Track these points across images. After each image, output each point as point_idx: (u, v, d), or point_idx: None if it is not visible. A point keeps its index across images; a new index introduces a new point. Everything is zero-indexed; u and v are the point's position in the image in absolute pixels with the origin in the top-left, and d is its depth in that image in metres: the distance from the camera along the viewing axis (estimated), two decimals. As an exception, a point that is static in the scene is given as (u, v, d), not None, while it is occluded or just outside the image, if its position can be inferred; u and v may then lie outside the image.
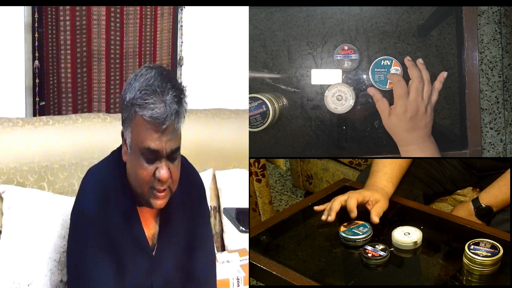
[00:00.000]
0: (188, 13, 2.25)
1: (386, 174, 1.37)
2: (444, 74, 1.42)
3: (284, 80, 1.54)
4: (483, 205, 1.39)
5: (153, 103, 1.10)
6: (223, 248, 2.00)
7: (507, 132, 2.65)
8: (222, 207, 1.99)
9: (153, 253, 1.30)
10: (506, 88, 2.63)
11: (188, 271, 1.36)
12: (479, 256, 1.06)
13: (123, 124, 1.19)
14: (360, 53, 1.50)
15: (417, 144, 1.38)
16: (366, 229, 1.21)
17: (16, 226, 1.54)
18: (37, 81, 1.93)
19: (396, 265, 1.14)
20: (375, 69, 1.48)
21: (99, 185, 1.25)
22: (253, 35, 1.55)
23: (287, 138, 1.57)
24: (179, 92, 1.14)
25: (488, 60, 2.62)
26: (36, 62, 1.92)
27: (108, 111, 2.10)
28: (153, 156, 1.15)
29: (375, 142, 1.53)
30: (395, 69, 1.47)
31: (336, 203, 1.27)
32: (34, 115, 1.94)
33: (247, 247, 1.90)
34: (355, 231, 1.21)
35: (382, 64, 1.48)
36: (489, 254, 1.07)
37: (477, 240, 1.11)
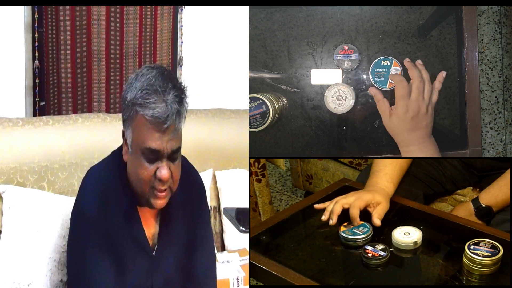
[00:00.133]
0: (188, 13, 2.25)
1: (387, 174, 1.37)
2: (443, 74, 1.42)
3: (284, 80, 1.54)
4: (483, 205, 1.39)
5: (154, 103, 1.10)
6: (223, 248, 2.00)
7: (507, 132, 2.65)
8: (222, 207, 1.99)
9: (153, 253, 1.30)
10: (506, 88, 2.63)
11: (188, 271, 1.36)
12: (479, 256, 1.06)
13: (124, 124, 1.19)
14: (360, 53, 1.50)
15: (418, 144, 1.38)
16: (366, 229, 1.21)
17: (16, 226, 1.54)
18: (37, 81, 1.93)
19: (396, 265, 1.14)
20: (375, 69, 1.48)
21: (99, 185, 1.25)
22: (253, 35, 1.55)
23: (287, 138, 1.57)
24: (180, 92, 1.14)
25: (488, 60, 2.62)
26: (36, 62, 1.92)
27: (108, 111, 2.10)
28: (154, 156, 1.15)
29: (375, 142, 1.53)
30: (395, 69, 1.47)
31: (338, 206, 1.26)
32: (34, 115, 1.94)
33: (247, 247, 1.90)
34: (355, 231, 1.21)
35: (382, 64, 1.48)
36: (489, 254, 1.07)
37: (477, 240, 1.11)
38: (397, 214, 1.32)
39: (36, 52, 1.92)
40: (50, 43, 1.94)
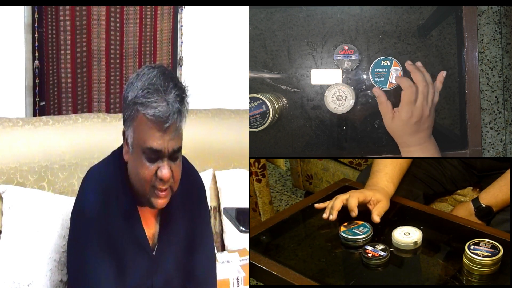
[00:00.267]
0: (188, 13, 2.25)
1: (387, 174, 1.37)
2: (443, 74, 1.41)
3: (284, 80, 1.54)
4: (483, 205, 1.39)
5: (156, 102, 1.10)
6: (223, 248, 2.00)
7: (507, 132, 2.65)
8: (222, 207, 1.99)
9: (154, 253, 1.30)
10: (506, 88, 2.63)
11: (188, 271, 1.36)
12: (479, 256, 1.06)
13: (124, 123, 1.19)
14: (360, 53, 1.50)
15: (418, 145, 1.38)
16: (366, 229, 1.21)
17: (16, 226, 1.54)
18: (37, 81, 1.93)
19: (396, 265, 1.14)
20: (375, 69, 1.48)
21: (99, 185, 1.25)
22: (253, 35, 1.55)
23: (287, 138, 1.57)
24: (181, 92, 1.14)
25: (488, 60, 2.62)
26: (36, 62, 1.92)
27: (108, 111, 2.10)
28: (155, 155, 1.15)
29: (375, 142, 1.53)
30: (395, 69, 1.47)
31: (338, 202, 1.26)
32: (34, 115, 1.94)
33: (247, 247, 1.90)
34: (355, 231, 1.21)
35: (382, 64, 1.48)
36: (489, 254, 1.07)
37: (477, 240, 1.11)
38: (397, 214, 1.32)
39: (36, 52, 1.92)
40: (50, 43, 1.94)
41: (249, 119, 1.42)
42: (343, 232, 1.21)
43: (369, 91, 1.52)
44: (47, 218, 1.56)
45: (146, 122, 1.12)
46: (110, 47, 2.06)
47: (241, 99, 2.19)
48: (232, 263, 1.85)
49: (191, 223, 1.36)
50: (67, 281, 1.53)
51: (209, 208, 1.57)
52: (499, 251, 1.08)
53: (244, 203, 1.93)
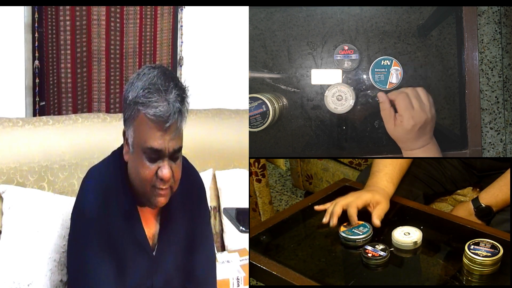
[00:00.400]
0: (188, 13, 2.25)
1: (387, 174, 1.37)
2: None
3: (284, 80, 1.54)
4: (483, 205, 1.39)
5: (156, 102, 1.11)
6: (223, 248, 2.00)
7: (507, 132, 2.65)
8: (222, 207, 1.99)
9: (154, 253, 1.30)
10: (506, 88, 2.63)
11: (188, 271, 1.36)
12: (479, 256, 1.06)
13: (125, 123, 1.19)
14: (360, 53, 1.50)
15: (421, 147, 1.38)
16: (366, 229, 1.21)
17: (16, 226, 1.54)
18: (37, 81, 1.93)
19: (396, 265, 1.14)
20: (375, 69, 1.48)
21: (99, 185, 1.25)
22: (253, 35, 1.55)
23: (287, 138, 1.57)
24: (182, 92, 1.14)
25: (488, 60, 2.62)
26: (36, 62, 1.92)
27: (108, 111, 2.10)
28: (155, 155, 1.15)
29: (375, 142, 1.53)
30: (395, 69, 1.47)
31: (338, 208, 1.26)
32: (34, 115, 1.94)
33: (247, 247, 1.90)
34: (355, 231, 1.21)
35: (382, 64, 1.48)
36: (489, 254, 1.07)
37: (477, 240, 1.11)
38: (397, 214, 1.32)
39: (36, 52, 1.92)
40: (50, 43, 1.94)
41: (249, 119, 1.42)
42: (343, 232, 1.21)
43: (369, 91, 1.52)
44: (47, 218, 1.56)
45: (146, 122, 1.12)
46: (110, 47, 2.06)
47: (241, 99, 2.19)
48: (232, 263, 1.85)
49: (191, 223, 1.36)
50: (67, 281, 1.53)
51: (209, 208, 1.57)
52: (499, 251, 1.08)
53: (244, 203, 1.93)
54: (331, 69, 1.52)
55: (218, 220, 2.01)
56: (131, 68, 2.13)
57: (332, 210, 1.26)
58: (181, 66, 2.26)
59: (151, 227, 1.30)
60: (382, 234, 1.22)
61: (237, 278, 1.77)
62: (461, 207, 1.45)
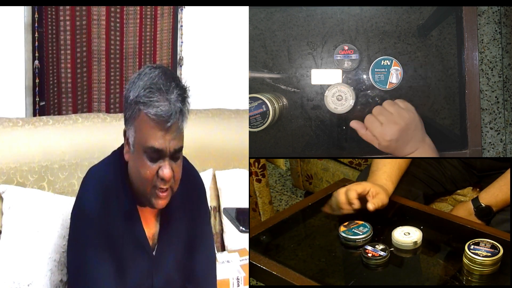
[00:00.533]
0: (188, 13, 2.25)
1: (385, 173, 1.37)
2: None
3: (284, 80, 1.54)
4: (482, 204, 1.39)
5: (158, 101, 1.11)
6: (223, 248, 2.00)
7: (507, 132, 2.65)
8: (222, 207, 1.99)
9: (154, 253, 1.30)
10: (506, 88, 2.63)
11: (188, 271, 1.36)
12: (479, 256, 1.06)
13: (126, 123, 1.19)
14: (360, 53, 1.50)
15: (412, 152, 1.38)
16: (366, 229, 1.21)
17: (16, 226, 1.54)
18: (37, 81, 1.93)
19: (396, 265, 1.14)
20: (375, 69, 1.48)
21: (100, 185, 1.25)
22: (253, 35, 1.55)
23: (287, 138, 1.57)
24: (183, 92, 1.14)
25: (488, 60, 2.62)
26: (36, 62, 1.92)
27: (108, 111, 2.10)
28: (156, 155, 1.15)
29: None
30: (395, 69, 1.47)
31: (351, 193, 1.27)
32: (34, 115, 1.94)
33: (247, 247, 1.90)
34: (355, 231, 1.21)
35: (382, 64, 1.48)
36: (489, 254, 1.07)
37: (477, 240, 1.11)
38: (397, 214, 1.32)
39: (36, 52, 1.92)
40: (50, 43, 1.94)
41: (249, 119, 1.42)
42: (343, 232, 1.21)
43: (369, 91, 1.52)
44: (47, 218, 1.56)
45: (148, 122, 1.12)
46: (110, 47, 2.06)
47: (241, 99, 2.19)
48: (232, 263, 1.85)
49: (191, 223, 1.36)
50: (67, 281, 1.53)
51: (209, 208, 1.57)
52: (499, 251, 1.08)
53: (244, 203, 1.93)
54: (331, 69, 1.52)
55: (218, 220, 2.01)
56: (131, 68, 2.13)
57: (344, 199, 1.27)
58: (181, 66, 2.26)
59: (151, 227, 1.30)
60: (382, 234, 1.22)
61: (237, 278, 1.77)
62: (461, 207, 1.45)
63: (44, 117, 1.76)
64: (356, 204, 1.25)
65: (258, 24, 1.55)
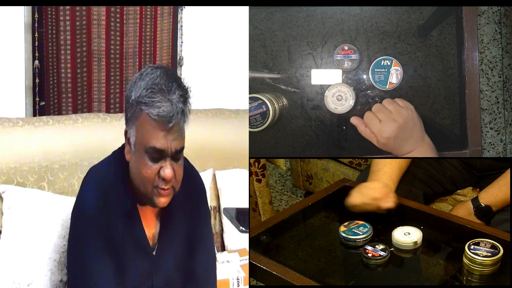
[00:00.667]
0: (188, 13, 2.25)
1: (386, 173, 1.37)
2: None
3: (284, 80, 1.54)
4: (482, 204, 1.39)
5: (160, 101, 1.11)
6: (223, 248, 2.00)
7: (507, 132, 2.65)
8: (222, 207, 1.99)
9: (154, 253, 1.30)
10: (506, 88, 2.63)
11: (188, 271, 1.36)
12: (479, 256, 1.06)
13: (127, 123, 1.19)
14: (360, 53, 1.50)
15: (411, 151, 1.38)
16: (366, 229, 1.21)
17: (16, 226, 1.54)
18: (37, 81, 1.93)
19: (396, 265, 1.14)
20: (375, 69, 1.48)
21: (100, 185, 1.25)
22: (253, 35, 1.55)
23: (287, 138, 1.57)
24: (184, 92, 1.15)
25: (488, 60, 2.62)
26: (36, 62, 1.92)
27: (108, 111, 2.10)
28: (158, 155, 1.15)
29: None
30: (395, 69, 1.47)
31: (364, 198, 1.29)
32: (34, 115, 1.94)
33: (247, 247, 1.90)
34: (355, 231, 1.21)
35: (382, 64, 1.48)
36: (489, 254, 1.07)
37: (477, 240, 1.11)
38: (397, 214, 1.32)
39: (36, 52, 1.91)
40: (50, 43, 1.94)
41: (249, 119, 1.42)
42: (343, 232, 1.21)
43: (369, 91, 1.52)
44: (47, 218, 1.56)
45: (149, 122, 1.13)
46: (110, 47, 2.06)
47: (241, 99, 2.19)
48: (232, 263, 1.85)
49: (191, 223, 1.36)
50: (67, 281, 1.53)
51: (209, 208, 1.57)
52: (499, 251, 1.08)
53: (244, 203, 1.93)
54: (331, 69, 1.52)
55: (218, 220, 2.01)
56: (131, 68, 2.13)
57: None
58: (181, 66, 2.26)
59: (151, 227, 1.30)
60: (382, 234, 1.22)
61: (237, 278, 1.77)
62: (460, 207, 1.45)
63: (44, 117, 1.76)
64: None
65: (258, 24, 1.55)
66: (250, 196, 1.99)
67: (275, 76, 1.55)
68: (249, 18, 1.55)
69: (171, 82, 1.13)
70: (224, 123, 2.09)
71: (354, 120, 1.44)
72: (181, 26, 2.25)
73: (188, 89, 1.17)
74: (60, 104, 1.99)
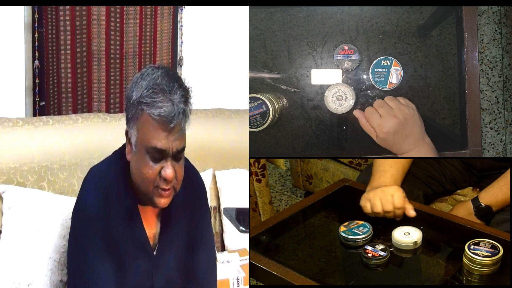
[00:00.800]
0: (188, 13, 2.25)
1: (393, 176, 1.37)
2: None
3: (284, 80, 1.54)
4: (482, 204, 1.39)
5: (161, 102, 1.11)
6: (223, 248, 2.00)
7: (507, 132, 2.65)
8: (222, 207, 1.99)
9: (154, 253, 1.30)
10: (506, 88, 2.63)
11: (188, 271, 1.36)
12: (479, 256, 1.06)
13: (127, 123, 1.19)
14: (360, 53, 1.50)
15: (414, 148, 1.38)
16: (366, 229, 1.21)
17: (16, 226, 1.54)
18: (37, 81, 1.93)
19: (396, 265, 1.14)
20: (375, 69, 1.48)
21: (101, 185, 1.25)
22: (253, 35, 1.55)
23: (287, 138, 1.57)
24: (186, 92, 1.15)
25: (488, 60, 2.62)
26: (36, 62, 1.92)
27: (108, 111, 2.10)
28: (159, 155, 1.15)
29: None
30: (395, 69, 1.47)
31: (389, 206, 1.26)
32: (34, 115, 1.94)
33: (247, 247, 1.90)
34: (355, 231, 1.21)
35: (382, 64, 1.48)
36: (489, 254, 1.07)
37: (477, 240, 1.11)
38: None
39: (36, 52, 1.91)
40: (50, 43, 1.94)
41: (249, 119, 1.42)
42: (343, 232, 1.21)
43: (369, 91, 1.52)
44: (47, 218, 1.56)
45: (151, 122, 1.13)
46: (110, 47, 2.06)
47: (241, 99, 2.19)
48: (232, 263, 1.85)
49: (192, 223, 1.36)
50: (67, 281, 1.53)
51: (209, 208, 1.57)
52: (499, 251, 1.08)
53: (244, 203, 1.93)
54: (331, 69, 1.52)
55: (218, 220, 2.01)
56: (131, 68, 2.13)
57: (387, 208, 1.26)
58: (181, 66, 2.26)
59: (152, 227, 1.30)
60: (382, 234, 1.22)
61: (237, 278, 1.77)
62: (460, 207, 1.45)
63: (44, 117, 1.76)
64: (413, 212, 1.26)
65: (258, 24, 1.55)
66: (250, 196, 1.99)
67: (275, 76, 1.55)
68: (249, 18, 1.55)
69: (172, 83, 1.13)
70: (224, 123, 2.09)
71: (357, 113, 1.44)
72: (181, 26, 2.24)
73: (189, 89, 1.17)
74: (60, 104, 1.99)
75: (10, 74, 1.89)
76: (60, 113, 1.99)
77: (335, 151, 1.56)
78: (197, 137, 1.99)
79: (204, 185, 1.45)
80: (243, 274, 1.79)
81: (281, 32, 1.54)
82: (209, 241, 1.44)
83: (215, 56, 2.32)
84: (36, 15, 1.90)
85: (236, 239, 1.97)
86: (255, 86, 1.54)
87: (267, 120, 1.41)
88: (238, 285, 1.77)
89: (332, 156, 2.02)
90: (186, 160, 1.36)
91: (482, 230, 1.20)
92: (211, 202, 1.98)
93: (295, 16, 1.53)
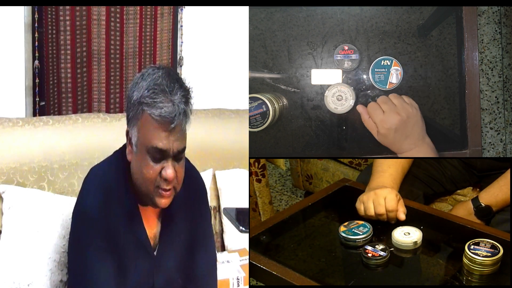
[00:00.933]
0: (188, 13, 2.25)
1: (391, 175, 1.37)
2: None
3: (284, 80, 1.54)
4: (482, 204, 1.39)
5: (162, 102, 1.11)
6: (223, 248, 2.00)
7: (507, 132, 2.65)
8: (222, 207, 1.99)
9: (155, 253, 1.30)
10: (506, 88, 2.63)
11: (189, 271, 1.36)
12: (479, 256, 1.06)
13: (128, 123, 1.19)
14: (360, 53, 1.50)
15: (414, 148, 1.38)
16: (366, 229, 1.21)
17: (16, 226, 1.54)
18: (37, 81, 1.93)
19: (396, 265, 1.14)
20: (375, 69, 1.48)
21: (101, 185, 1.25)
22: (253, 35, 1.55)
23: (287, 138, 1.57)
24: (186, 93, 1.15)
25: (488, 60, 2.62)
26: (36, 62, 1.92)
27: (108, 111, 2.10)
28: (160, 155, 1.15)
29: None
30: (395, 69, 1.47)
31: (380, 207, 1.26)
32: (34, 115, 1.94)
33: (247, 247, 1.90)
34: (355, 231, 1.21)
35: (382, 64, 1.48)
36: (489, 254, 1.07)
37: (477, 240, 1.11)
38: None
39: (36, 52, 1.91)
40: (50, 43, 1.94)
41: (249, 119, 1.42)
42: (343, 232, 1.21)
43: (369, 91, 1.52)
44: (47, 218, 1.56)
45: (151, 122, 1.13)
46: (110, 47, 2.06)
47: (241, 99, 2.19)
48: (232, 263, 1.85)
49: (192, 223, 1.36)
50: (67, 281, 1.53)
51: (210, 208, 1.57)
52: (499, 251, 1.08)
53: (244, 203, 1.93)
54: (331, 69, 1.52)
55: (218, 220, 2.01)
56: (131, 68, 2.13)
57: (381, 210, 1.26)
58: (181, 66, 2.26)
59: (152, 227, 1.30)
60: (382, 234, 1.22)
61: (237, 278, 1.77)
62: (460, 207, 1.45)
63: (44, 117, 1.76)
64: (404, 214, 1.25)
65: (258, 24, 1.55)
66: (250, 196, 1.99)
67: (275, 76, 1.55)
68: (249, 18, 1.55)
69: (173, 83, 1.13)
70: (224, 123, 2.09)
71: (359, 108, 1.44)
72: (181, 26, 2.24)
73: (190, 90, 1.17)
74: (60, 104, 1.99)
75: (10, 74, 1.89)
76: (60, 113, 1.99)
77: (335, 151, 1.56)
78: (197, 137, 1.99)
79: (205, 185, 1.45)
80: (243, 274, 1.79)
81: (281, 32, 1.54)
82: (210, 241, 1.44)
83: (215, 56, 2.32)
84: (36, 15, 1.90)
85: (236, 239, 1.97)
86: (255, 86, 1.54)
87: (267, 120, 1.41)
88: (238, 285, 1.77)
89: (332, 156, 2.02)
90: (187, 160, 1.36)
91: (482, 230, 1.20)
92: (211, 202, 1.98)
93: (295, 16, 1.53)
